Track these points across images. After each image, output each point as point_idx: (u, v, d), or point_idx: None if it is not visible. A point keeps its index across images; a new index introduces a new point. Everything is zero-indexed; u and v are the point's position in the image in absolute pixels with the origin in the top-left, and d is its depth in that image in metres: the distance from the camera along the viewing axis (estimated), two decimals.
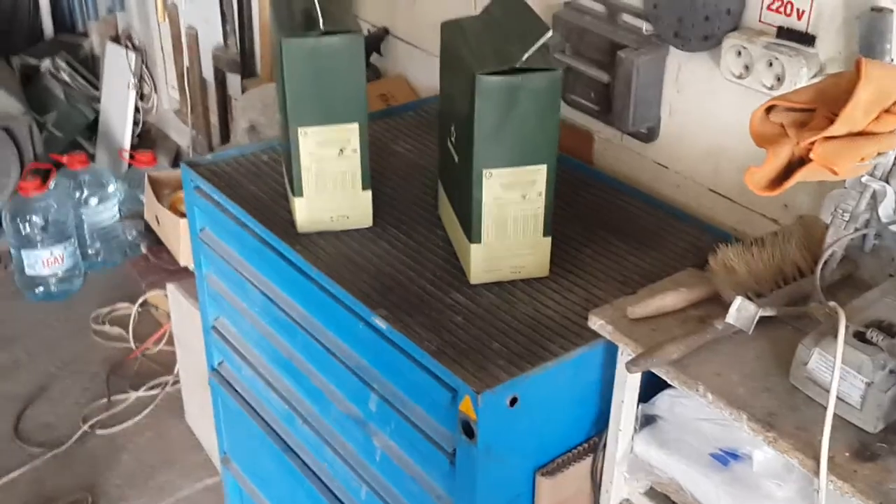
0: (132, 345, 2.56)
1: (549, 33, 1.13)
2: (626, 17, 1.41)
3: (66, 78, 3.22)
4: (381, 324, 1.16)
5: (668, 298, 1.05)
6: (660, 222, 1.40)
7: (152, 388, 2.44)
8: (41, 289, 2.79)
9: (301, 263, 1.29)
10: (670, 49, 1.37)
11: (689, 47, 1.32)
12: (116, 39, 3.23)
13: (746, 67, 1.25)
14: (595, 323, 1.06)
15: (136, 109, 3.17)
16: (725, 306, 1.01)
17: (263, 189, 1.47)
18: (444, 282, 1.26)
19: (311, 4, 1.23)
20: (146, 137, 3.27)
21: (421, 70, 1.89)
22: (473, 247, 1.23)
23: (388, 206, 1.43)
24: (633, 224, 1.40)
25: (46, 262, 2.73)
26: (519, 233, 1.24)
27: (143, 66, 3.17)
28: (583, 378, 1.13)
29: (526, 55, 1.13)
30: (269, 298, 1.40)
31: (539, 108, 1.16)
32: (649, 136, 1.45)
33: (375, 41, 1.93)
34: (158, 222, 1.96)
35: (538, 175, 1.20)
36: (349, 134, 1.31)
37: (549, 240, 1.25)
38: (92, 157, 3.31)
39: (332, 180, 1.34)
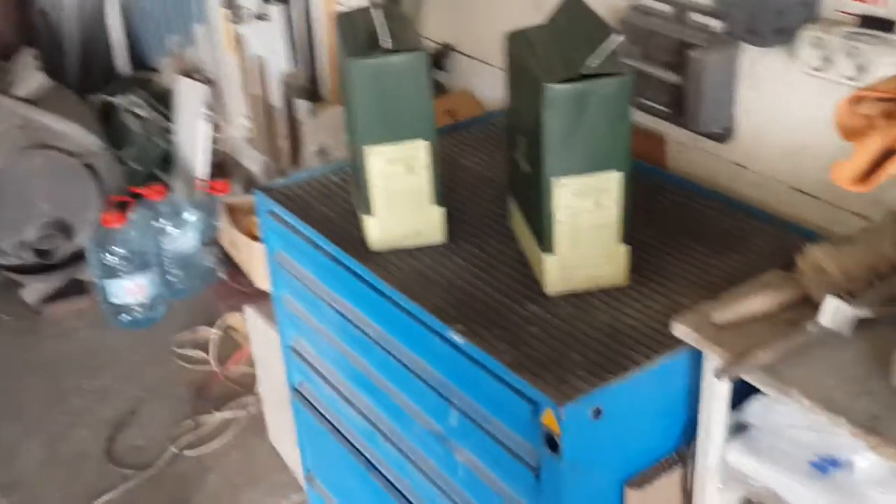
0: (215, 367, 2.61)
1: (615, 38, 1.10)
2: (695, 16, 1.38)
3: (143, 113, 3.31)
4: (457, 338, 1.14)
5: (755, 302, 1.01)
6: (740, 224, 1.36)
7: (235, 408, 2.47)
8: (126, 317, 2.86)
9: (375, 281, 1.29)
10: (742, 46, 1.33)
11: (762, 42, 1.28)
12: (187, 74, 3.31)
13: (825, 59, 1.21)
14: (679, 330, 1.03)
15: (210, 139, 3.24)
16: (816, 308, 0.97)
17: (335, 209, 1.47)
18: (519, 294, 1.24)
19: (376, 25, 1.24)
20: (220, 166, 3.34)
21: (486, 84, 1.88)
22: (547, 257, 1.21)
23: (460, 221, 1.42)
24: (712, 227, 1.36)
25: (130, 290, 2.80)
26: (594, 241, 1.21)
27: (214, 98, 3.24)
28: (668, 386, 1.10)
29: (594, 61, 1.11)
30: (344, 317, 1.40)
31: (609, 114, 1.14)
32: (724, 136, 1.42)
33: (438, 58, 1.93)
34: (235, 247, 1.99)
35: (611, 182, 1.18)
36: (417, 151, 1.31)
37: (625, 247, 1.22)
38: (169, 188, 3.39)
39: (402, 197, 1.33)
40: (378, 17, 1.23)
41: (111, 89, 3.44)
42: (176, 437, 2.38)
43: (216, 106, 3.28)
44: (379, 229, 1.35)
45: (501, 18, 1.74)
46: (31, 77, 2.77)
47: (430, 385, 1.25)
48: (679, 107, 1.41)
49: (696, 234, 1.34)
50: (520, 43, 1.25)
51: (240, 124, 3.21)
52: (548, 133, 1.14)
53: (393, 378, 1.34)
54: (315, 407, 1.61)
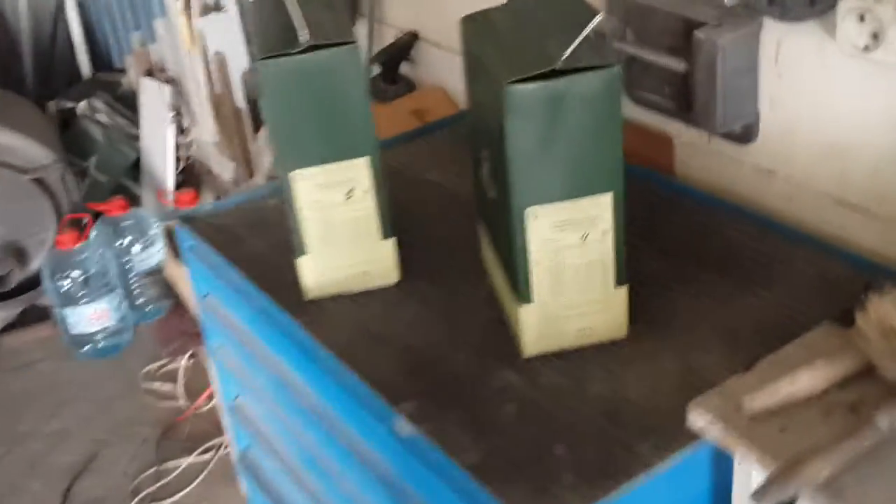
0: (183, 404, 2.35)
1: (598, 18, 0.82)
2: None
3: (105, 119, 3.05)
4: (403, 431, 0.87)
5: (802, 379, 0.73)
6: (771, 248, 1.07)
7: (205, 451, 2.22)
8: (89, 347, 2.60)
9: (306, 341, 1.02)
10: (764, 21, 1.05)
11: (790, 16, 0.99)
12: (151, 73, 3.04)
13: (874, 36, 0.92)
14: (699, 420, 0.75)
15: (177, 145, 2.97)
16: (889, 387, 0.69)
17: (270, 244, 1.20)
18: (490, 354, 0.97)
19: (290, 12, 0.96)
20: (190, 173, 3.07)
21: (460, 77, 1.59)
22: (523, 309, 0.94)
23: (421, 253, 1.14)
24: (735, 252, 1.08)
25: (91, 318, 2.54)
26: (582, 285, 0.93)
27: (180, 99, 2.97)
28: (685, 493, 0.82)
29: (568, 51, 0.83)
30: (281, 381, 1.13)
31: (594, 120, 0.86)
32: (746, 135, 1.13)
33: (404, 48, 1.65)
34: (178, 280, 1.72)
35: (601, 207, 0.90)
36: (357, 172, 1.03)
37: (624, 290, 0.94)
38: (134, 201, 3.13)
39: (341, 231, 1.06)
40: (291, 1, 0.95)
41: (72, 94, 3.18)
42: (139, 487, 2.11)
43: (183, 108, 3.01)
44: (314, 272, 1.08)
45: (473, 3, 1.45)
46: None
47: (378, 477, 0.97)
48: (687, 100, 1.12)
49: (715, 263, 1.06)
50: (477, 29, 0.97)
51: (208, 127, 2.94)
52: (513, 149, 0.86)
53: (340, 460, 1.07)
54: (261, 479, 1.34)
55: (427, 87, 1.67)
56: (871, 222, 1.03)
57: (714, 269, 1.06)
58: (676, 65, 1.10)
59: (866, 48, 0.93)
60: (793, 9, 0.98)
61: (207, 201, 2.80)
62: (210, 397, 2.29)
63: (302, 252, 1.06)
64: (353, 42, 0.97)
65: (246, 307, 1.14)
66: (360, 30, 1.78)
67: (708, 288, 1.03)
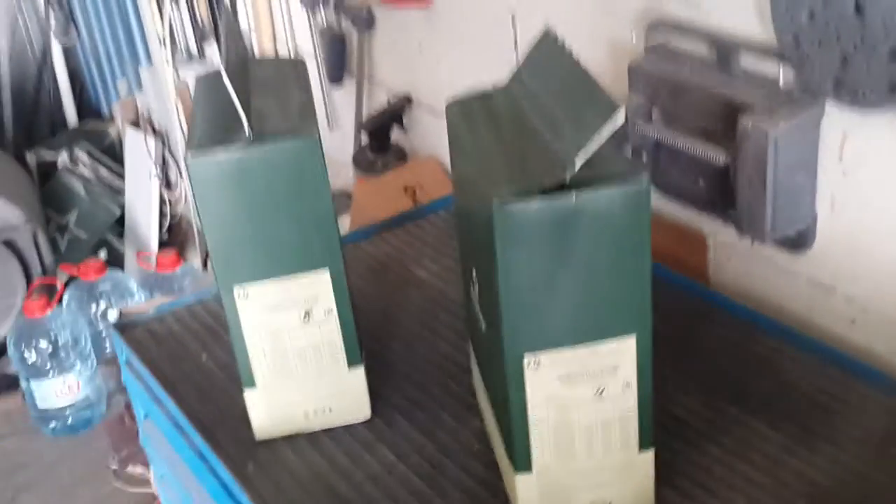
0: (155, 490, 2.13)
1: (618, 115, 0.62)
2: (748, 60, 0.89)
3: (87, 172, 2.87)
4: None
5: None
6: (831, 384, 0.86)
7: None
8: (56, 423, 2.39)
9: (245, 503, 0.81)
10: (827, 108, 0.84)
11: (863, 103, 0.79)
12: (137, 123, 2.86)
13: None
14: None
15: (163, 201, 2.79)
16: None
17: (219, 358, 1.00)
18: None
19: (231, 97, 0.76)
20: (177, 230, 2.88)
21: None
22: (520, 479, 0.73)
23: (398, 378, 0.94)
24: (786, 389, 0.87)
25: (59, 392, 2.33)
26: (597, 449, 0.72)
27: (167, 151, 2.79)
28: None
29: (580, 155, 0.62)
30: None
31: (615, 247, 0.66)
32: (799, 241, 0.92)
33: (396, 114, 1.46)
34: None
35: (622, 354, 0.69)
36: (316, 288, 0.83)
37: (650, 455, 0.73)
38: (121, 257, 2.94)
39: (298, 360, 0.85)
40: (230, 84, 0.76)
41: (55, 142, 3.00)
42: None
43: (170, 160, 2.83)
44: (265, 409, 0.87)
45: (474, 62, 1.26)
46: None
47: None
48: (726, 196, 0.92)
49: (760, 404, 0.85)
50: (467, 117, 0.77)
51: None
52: (506, 282, 0.66)
53: None
54: None
55: (420, 157, 1.47)
56: None
57: (760, 411, 0.84)
58: (715, 155, 0.89)
59: None
60: (867, 95, 0.78)
61: (192, 263, 2.61)
62: None
63: (250, 384, 0.86)
64: (310, 134, 0.77)
65: (182, 445, 0.93)
66: (348, 89, 1.59)
67: (752, 437, 0.82)
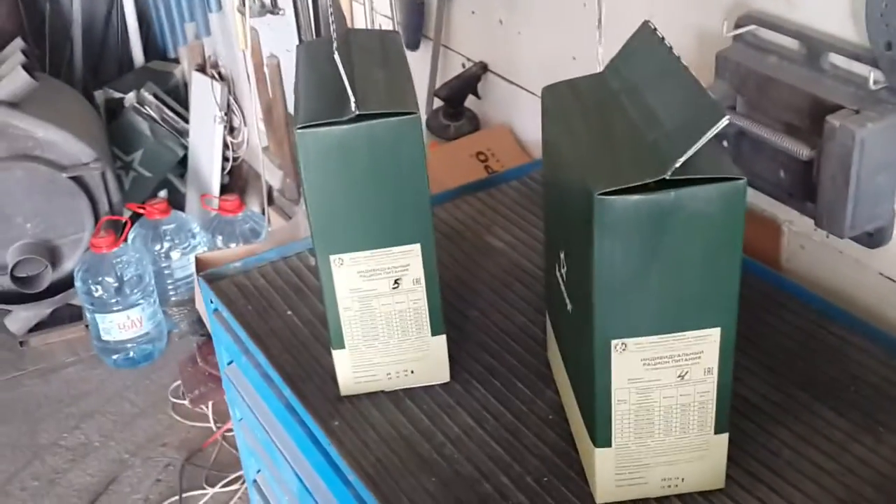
0: (212, 425, 2.22)
1: (724, 121, 0.64)
2: (837, 60, 0.90)
3: (153, 112, 2.93)
4: None
5: None
6: None
7: (232, 483, 2.08)
8: (119, 355, 2.49)
9: (333, 455, 0.86)
10: None
11: None
12: (203, 68, 2.90)
13: None
14: None
15: (226, 145, 2.84)
16: None
17: (309, 314, 1.05)
18: (553, 496, 0.80)
19: (341, 75, 0.79)
20: (238, 175, 2.94)
21: (528, 117, 1.42)
22: (599, 453, 0.77)
23: (475, 345, 0.98)
24: (854, 378, 0.89)
25: (123, 326, 2.43)
26: (674, 430, 0.76)
27: (231, 98, 2.83)
28: None
29: (684, 156, 0.65)
30: (304, 485, 0.98)
31: (708, 243, 0.69)
32: (876, 237, 0.94)
33: (471, 81, 1.48)
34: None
35: (706, 343, 0.72)
36: (408, 259, 0.87)
37: (724, 438, 0.77)
38: (183, 197, 3.01)
39: (385, 325, 0.90)
40: (342, 60, 0.79)
41: (122, 82, 3.06)
42: None
43: (233, 107, 2.88)
44: (352, 368, 0.92)
45: (554, 36, 1.28)
46: (13, 75, 2.38)
47: None
48: (806, 189, 0.94)
49: (829, 391, 0.88)
50: (561, 107, 0.80)
51: (259, 129, 2.80)
52: (602, 271, 0.69)
53: None
54: None
55: (493, 126, 1.50)
56: None
57: (829, 398, 0.88)
58: (799, 149, 0.91)
59: None
60: None
61: (252, 209, 2.67)
62: None
63: (339, 345, 0.91)
64: (412, 112, 0.81)
65: (270, 395, 0.99)
66: (425, 54, 1.61)
67: (821, 425, 0.85)
